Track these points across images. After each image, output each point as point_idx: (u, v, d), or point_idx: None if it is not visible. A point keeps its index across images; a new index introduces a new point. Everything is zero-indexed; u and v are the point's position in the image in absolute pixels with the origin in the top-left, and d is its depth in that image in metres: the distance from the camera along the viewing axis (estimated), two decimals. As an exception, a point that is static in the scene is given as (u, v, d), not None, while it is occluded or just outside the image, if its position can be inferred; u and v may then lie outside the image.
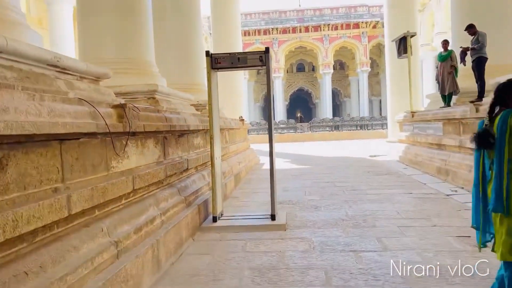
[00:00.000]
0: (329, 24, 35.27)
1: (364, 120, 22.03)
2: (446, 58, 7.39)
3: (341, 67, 41.68)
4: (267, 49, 4.05)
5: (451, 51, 7.33)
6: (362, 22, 34.78)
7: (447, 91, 7.37)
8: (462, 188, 5.39)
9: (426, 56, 26.11)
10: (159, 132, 3.55)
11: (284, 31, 35.44)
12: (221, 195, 4.33)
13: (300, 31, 35.50)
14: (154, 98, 5.01)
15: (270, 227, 3.88)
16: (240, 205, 4.98)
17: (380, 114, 35.79)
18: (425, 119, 7.57)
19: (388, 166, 8.19)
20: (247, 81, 34.60)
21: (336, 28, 35.25)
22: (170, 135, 3.91)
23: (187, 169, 4.24)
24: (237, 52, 4.15)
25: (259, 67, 4.15)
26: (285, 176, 7.22)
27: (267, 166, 9.56)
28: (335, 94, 40.88)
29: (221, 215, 4.23)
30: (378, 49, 38.35)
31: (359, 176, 7.03)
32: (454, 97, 7.45)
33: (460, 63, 6.86)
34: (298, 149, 14.41)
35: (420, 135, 7.92)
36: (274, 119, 28.80)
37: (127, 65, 5.45)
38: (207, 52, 4.06)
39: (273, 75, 34.88)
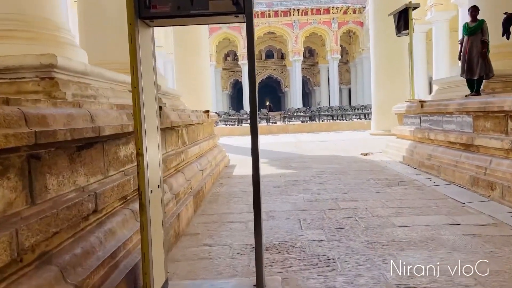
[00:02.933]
0: (299, 9, 33.78)
1: (343, 110, 20.43)
2: (475, 31, 5.68)
3: (310, 54, 40.47)
4: (248, -21, 2.08)
5: (482, 21, 5.61)
6: (332, 8, 33.48)
7: (477, 74, 5.68)
8: (528, 213, 3.71)
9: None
10: (7, 151, 1.54)
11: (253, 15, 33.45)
12: (164, 250, 2.36)
13: (269, 16, 33.75)
14: (51, 78, 2.96)
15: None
16: (200, 255, 3.03)
17: (350, 103, 34.78)
18: (444, 110, 5.87)
19: (393, 170, 6.47)
20: (214, 68, 32.53)
21: (306, 13, 33.86)
22: (52, 151, 1.91)
23: (95, 210, 2.25)
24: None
25: (233, 17, 2.17)
26: (266, 188, 5.33)
27: (239, 170, 7.62)
28: (304, 83, 39.71)
29: (164, 291, 2.29)
30: (348, 36, 37.27)
31: (363, 187, 5.25)
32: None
33: (503, 35, 5.18)
34: (273, 143, 12.55)
35: (435, 131, 6.23)
36: (243, 108, 26.74)
37: (14, 25, 3.36)
38: (127, -18, 2.04)
39: (241, 61, 33.03)
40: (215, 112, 21.07)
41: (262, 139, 14.56)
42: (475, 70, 5.76)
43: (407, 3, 8.03)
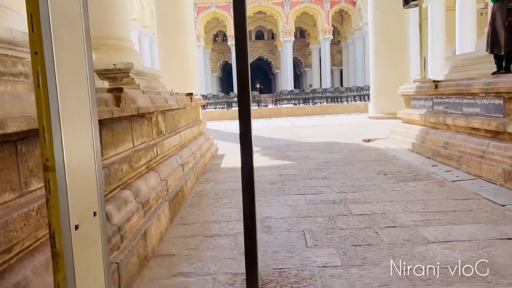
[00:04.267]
0: (290, -13, 32.48)
1: (339, 92, 19.52)
2: (503, -3, 4.84)
3: (301, 35, 39.43)
4: None
5: (512, -15, 4.78)
6: (324, -14, 32.27)
7: (503, 49, 4.86)
8: None
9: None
10: None
11: (242, -6, 32.12)
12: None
13: (259, -6, 32.40)
14: None
15: None
16: (174, 293, 2.20)
17: (341, 85, 33.96)
18: (465, 91, 5.06)
19: (404, 161, 5.68)
20: (202, 49, 31.36)
21: (298, -8, 32.59)
22: None
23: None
24: None
25: None
26: (259, 185, 4.51)
27: (228, 161, 6.61)
28: (295, 64, 38.72)
29: None
30: (340, 16, 36.19)
31: (374, 183, 4.45)
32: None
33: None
34: (266, 128, 11.71)
35: (452, 115, 5.43)
36: (233, 91, 25.64)
37: None
38: None
39: (231, 42, 31.76)
40: (203, 95, 20.05)
41: (253, 124, 13.60)
42: (501, 44, 4.94)
43: (417, -31, 7.13)
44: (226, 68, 39.70)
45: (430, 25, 19.10)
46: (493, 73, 5.01)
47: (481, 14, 20.82)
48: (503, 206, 3.43)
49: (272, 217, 3.42)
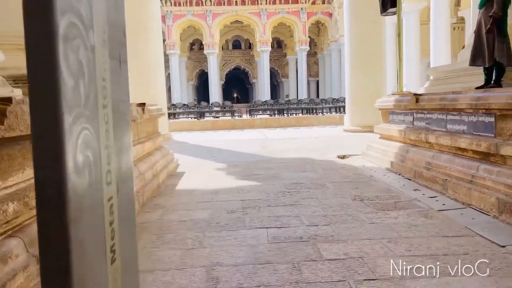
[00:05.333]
0: (267, -3, 32.27)
1: (314, 103, 19.04)
2: (485, 2, 4.34)
3: (278, 45, 39.35)
4: None
5: (497, -11, 4.29)
6: (301, -3, 32.23)
7: (488, 61, 4.36)
8: None
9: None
10: None
11: (219, 3, 31.77)
12: None
13: (236, 4, 32.10)
14: None
15: None
16: None
17: (317, 96, 33.85)
18: (451, 107, 4.52)
19: (383, 183, 5.08)
20: (178, 57, 30.64)
21: (275, 2, 32.53)
22: None
23: None
24: None
25: None
26: (215, 215, 3.80)
27: (187, 181, 4.99)
28: (272, 74, 38.50)
29: None
30: (317, 28, 36.26)
31: (350, 212, 3.80)
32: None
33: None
34: (237, 141, 11.01)
35: (435, 133, 4.89)
36: (209, 100, 24.93)
37: None
38: None
39: (207, 51, 31.15)
40: (173, 104, 19.15)
41: (224, 136, 12.99)
42: (485, 56, 4.45)
43: (396, -25, 6.67)
44: (202, 77, 39.01)
45: (405, 38, 19.01)
46: (478, 88, 4.49)
47: (454, 29, 20.95)
48: (503, 247, 2.84)
49: (223, 263, 2.71)
